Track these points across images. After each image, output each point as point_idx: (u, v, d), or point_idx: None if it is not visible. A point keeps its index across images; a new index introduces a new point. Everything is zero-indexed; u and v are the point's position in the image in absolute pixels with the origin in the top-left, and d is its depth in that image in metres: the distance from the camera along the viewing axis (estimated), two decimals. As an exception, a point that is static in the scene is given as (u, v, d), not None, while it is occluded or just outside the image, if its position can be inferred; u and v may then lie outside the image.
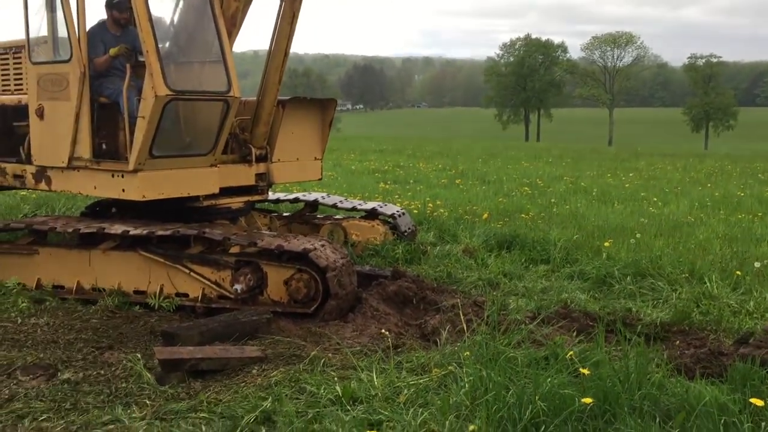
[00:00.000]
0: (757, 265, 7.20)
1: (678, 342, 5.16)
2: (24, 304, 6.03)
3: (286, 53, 6.82)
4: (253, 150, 7.03)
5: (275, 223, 8.21)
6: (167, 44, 6.56)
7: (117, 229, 6.24)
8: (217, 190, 6.67)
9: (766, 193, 15.59)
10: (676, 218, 10.99)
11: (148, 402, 4.16)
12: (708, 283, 6.61)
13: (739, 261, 7.54)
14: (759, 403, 3.51)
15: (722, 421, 3.46)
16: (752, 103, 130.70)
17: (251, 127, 7.04)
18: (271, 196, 8.15)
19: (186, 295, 6.13)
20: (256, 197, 7.28)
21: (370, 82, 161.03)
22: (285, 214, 8.75)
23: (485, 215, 10.42)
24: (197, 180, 6.49)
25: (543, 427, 3.55)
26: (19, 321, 5.67)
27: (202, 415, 3.98)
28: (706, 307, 6.04)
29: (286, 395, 4.15)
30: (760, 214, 11.80)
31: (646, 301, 6.38)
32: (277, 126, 7.13)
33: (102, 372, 4.61)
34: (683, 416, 3.63)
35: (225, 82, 6.34)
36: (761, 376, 3.92)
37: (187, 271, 6.11)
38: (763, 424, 3.38)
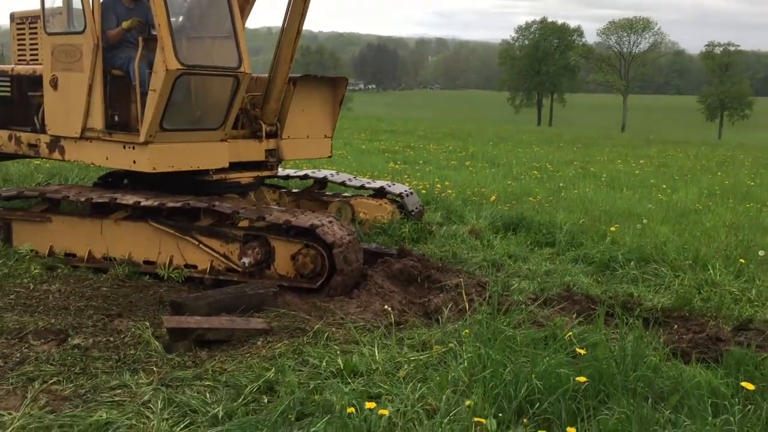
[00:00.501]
0: (761, 253, 7.25)
1: (677, 327, 5.22)
2: (36, 271, 6.15)
3: (299, 30, 6.86)
4: (264, 126, 7.10)
5: (284, 199, 8.30)
6: (180, 19, 6.62)
7: (129, 199, 6.34)
8: (227, 165, 6.74)
9: (777, 183, 15.55)
10: (684, 205, 11.02)
11: (155, 369, 4.28)
12: (711, 271, 6.66)
13: (743, 249, 7.59)
14: (750, 386, 3.59)
15: (713, 403, 3.54)
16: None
17: (262, 103, 7.10)
18: (281, 172, 8.24)
19: (195, 267, 6.24)
20: (266, 173, 7.36)
21: (383, 62, 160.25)
22: (294, 190, 8.83)
23: (493, 197, 10.47)
24: (207, 154, 6.57)
25: (537, 404, 3.64)
26: (32, 287, 5.80)
27: (207, 383, 4.09)
28: (708, 294, 6.10)
29: (289, 366, 4.26)
30: (768, 204, 11.81)
31: (649, 286, 6.44)
32: (288, 103, 7.19)
33: (111, 339, 4.73)
34: (676, 398, 3.70)
35: (236, 58, 6.40)
36: (755, 362, 3.98)
37: (197, 243, 6.22)
38: (752, 407, 3.46)
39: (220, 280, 6.10)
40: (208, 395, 3.91)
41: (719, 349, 4.63)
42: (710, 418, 3.36)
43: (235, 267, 6.13)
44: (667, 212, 10.12)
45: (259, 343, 4.75)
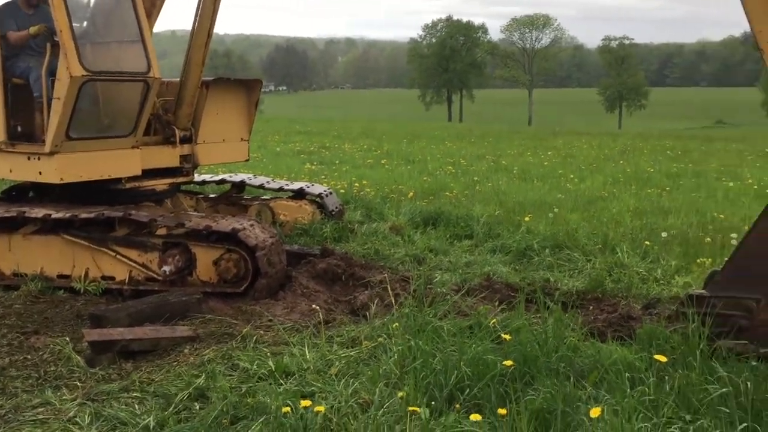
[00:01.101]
0: (664, 235, 7.67)
1: (592, 308, 5.48)
2: (-59, 292, 5.84)
3: (210, 33, 6.77)
4: (177, 131, 6.97)
5: (201, 205, 8.16)
6: (84, 24, 6.42)
7: (38, 212, 6.11)
8: (139, 172, 6.59)
9: (674, 168, 16.44)
10: (591, 193, 11.50)
11: (78, 384, 4.16)
12: (619, 254, 7.01)
13: (648, 232, 8.01)
14: (663, 359, 3.82)
15: (630, 377, 3.75)
16: (662, 84, 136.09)
17: (175, 108, 6.97)
18: (197, 177, 8.10)
19: (112, 278, 6.08)
20: (182, 179, 7.23)
21: (293, 64, 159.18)
22: (211, 195, 8.71)
23: (411, 194, 10.63)
24: (118, 162, 6.40)
25: (467, 390, 3.76)
26: (-63, 309, 5.50)
27: (134, 394, 4.02)
28: (618, 276, 6.42)
29: (219, 372, 4.22)
30: (667, 188, 12.47)
31: (563, 271, 6.71)
32: (202, 107, 7.08)
33: (29, 356, 4.56)
34: (596, 375, 3.90)
35: (144, 62, 6.27)
36: (665, 336, 4.24)
37: (113, 254, 6.05)
38: (665, 377, 3.68)
39: (140, 291, 5.96)
40: (137, 406, 3.84)
41: (632, 326, 4.90)
42: (628, 391, 3.56)
43: (155, 276, 6.00)
44: (576, 201, 10.54)
45: (186, 350, 4.69)
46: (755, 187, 12.66)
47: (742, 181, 13.59)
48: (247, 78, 7.83)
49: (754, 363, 3.84)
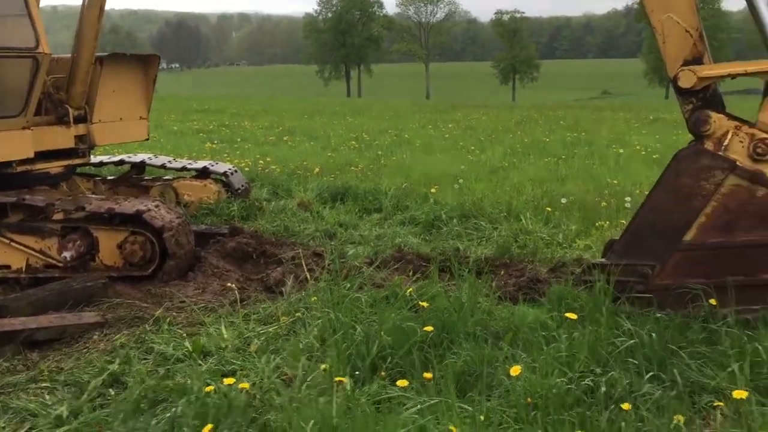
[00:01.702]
0: (563, 201, 7.99)
1: (502, 273, 5.65)
2: None
3: (102, 6, 6.44)
4: (71, 110, 6.62)
5: (100, 188, 7.82)
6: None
7: None
8: (31, 155, 6.22)
9: (568, 137, 17.11)
10: (492, 164, 11.82)
11: (-20, 379, 3.93)
12: (523, 220, 7.25)
13: (548, 199, 8.32)
14: (573, 316, 4.00)
15: (544, 335, 3.91)
16: (553, 56, 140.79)
17: (67, 85, 6.61)
18: (94, 159, 7.75)
19: (8, 267, 5.75)
20: (77, 161, 6.88)
21: (185, 40, 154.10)
22: (109, 177, 8.35)
23: (316, 170, 10.58)
24: (8, 144, 6.01)
25: (389, 358, 3.81)
26: None
27: (44, 384, 3.85)
28: (523, 241, 6.64)
29: (134, 356, 4.10)
30: (563, 156, 12.97)
31: (472, 239, 6.88)
32: (96, 84, 6.74)
33: None
34: (511, 336, 4.05)
35: (32, 37, 5.91)
36: (573, 295, 4.44)
37: (7, 241, 5.72)
38: (575, 333, 3.86)
39: (40, 278, 5.67)
40: (47, 397, 3.68)
41: (540, 288, 5.10)
42: (544, 348, 3.71)
43: (55, 263, 5.72)
44: (479, 171, 10.80)
45: (95, 337, 4.52)
46: (643, 153, 13.36)
47: (631, 148, 14.30)
48: (143, 53, 7.51)
49: (657, 315, 4.08)
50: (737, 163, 4.21)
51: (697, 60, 4.36)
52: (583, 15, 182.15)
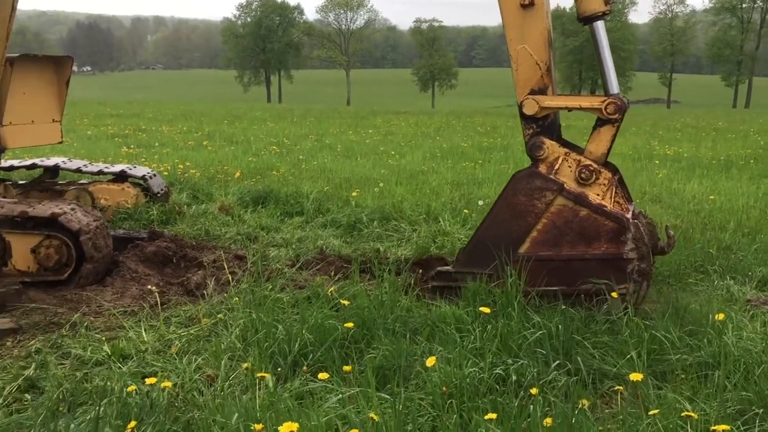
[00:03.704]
0: (480, 203, 8.27)
1: (420, 272, 5.82)
2: None
3: (14, 6, 6.26)
4: (-21, 112, 6.41)
5: (11, 192, 7.57)
6: None
7: None
8: (-62, 158, 6.01)
9: (485, 143, 17.60)
10: (412, 168, 12.05)
11: None
12: (442, 222, 7.46)
13: (465, 201, 8.59)
14: (487, 311, 4.20)
15: (459, 329, 4.09)
16: (470, 64, 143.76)
17: (-25, 87, 6.39)
18: (4, 163, 7.51)
19: None
20: (-13, 164, 6.68)
21: (97, 43, 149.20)
22: (21, 182, 8.09)
23: (237, 174, 10.54)
24: None
25: (311, 355, 3.91)
26: None
27: (-45, 392, 3.74)
28: (442, 242, 6.84)
29: (50, 361, 4.03)
30: (480, 161, 13.36)
31: (392, 241, 7.04)
32: (6, 86, 6.53)
33: None
34: (428, 331, 4.21)
35: (-61, 36, 5.70)
36: (486, 291, 4.64)
37: None
38: (489, 326, 4.06)
39: (-52, 286, 5.47)
40: (-41, 405, 3.58)
41: (458, 286, 5.29)
42: (458, 340, 3.89)
43: (-36, 269, 5.53)
44: (399, 175, 11.01)
45: (8, 343, 4.41)
46: (555, 158, 13.86)
47: (544, 153, 14.82)
48: (56, 55, 7.33)
49: (563, 308, 4.33)
50: (565, 185, 4.72)
51: (543, 90, 4.84)
52: (498, 25, 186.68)
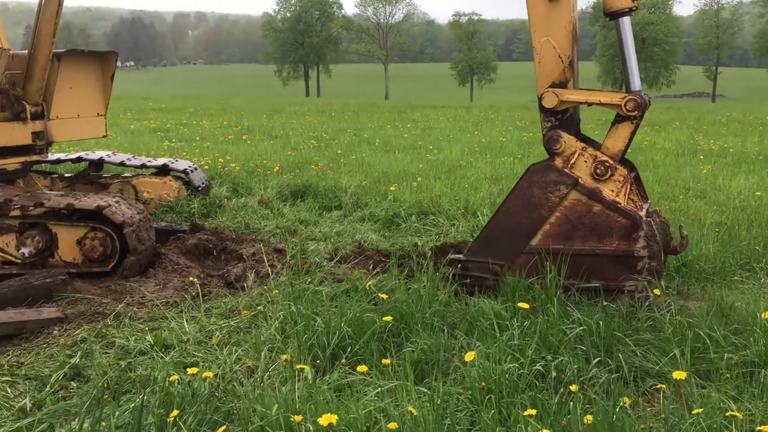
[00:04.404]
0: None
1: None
2: None
3: (60, 2, 6.41)
4: (28, 107, 6.57)
5: (57, 185, 7.76)
6: None
7: None
8: (-12, 151, 6.18)
9: (524, 137, 17.43)
10: (450, 163, 12.00)
11: (-60, 373, 3.92)
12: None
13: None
14: (525, 306, 4.17)
15: (498, 324, 4.07)
16: (509, 58, 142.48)
17: (24, 82, 6.56)
18: (51, 156, 7.69)
19: (-36, 264, 5.69)
20: (35, 157, 6.83)
21: (140, 38, 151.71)
22: (67, 175, 8.28)
23: (276, 167, 10.63)
24: (-35, 140, 5.97)
25: (349, 348, 3.93)
26: None
27: (4, 378, 3.85)
28: (480, 237, 6.80)
29: (95, 350, 4.13)
30: (519, 156, 13.25)
31: (430, 235, 7.03)
32: (54, 81, 6.70)
33: None
34: (466, 325, 4.20)
35: (-11, 32, 5.86)
36: (525, 286, 4.61)
37: (-37, 238, 5.67)
38: (528, 322, 4.03)
39: (-3, 275, 5.63)
40: (9, 390, 3.69)
41: (497, 280, 5.26)
42: (497, 336, 3.86)
43: (13, 259, 5.69)
44: (437, 170, 10.97)
45: (55, 332, 4.52)
46: (596, 152, 13.68)
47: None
48: (101, 50, 7.48)
49: (605, 305, 4.28)
50: (580, 180, 4.72)
51: (563, 84, 4.82)
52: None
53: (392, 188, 8.89)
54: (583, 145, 4.80)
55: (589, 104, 4.84)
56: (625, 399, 3.26)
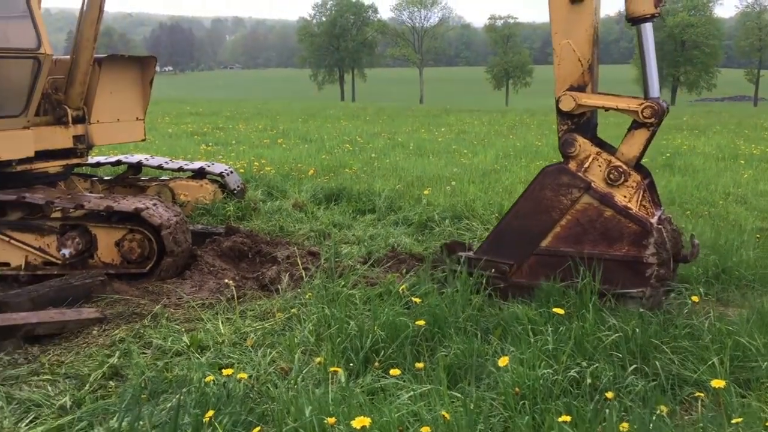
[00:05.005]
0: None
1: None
2: None
3: (101, 8, 6.55)
4: (69, 111, 6.73)
5: (97, 187, 7.92)
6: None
7: None
8: (32, 154, 6.33)
9: (560, 142, 17.22)
10: (484, 167, 11.94)
11: (-17, 371, 4.02)
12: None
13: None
14: (560, 311, 4.13)
15: (532, 330, 4.04)
16: (545, 62, 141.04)
17: (66, 86, 6.71)
18: (91, 159, 7.85)
19: (7, 264, 5.84)
20: (75, 160, 6.98)
21: (179, 43, 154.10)
22: (106, 177, 8.44)
23: (311, 171, 10.69)
24: (9, 143, 6.11)
25: (382, 351, 3.93)
26: None
27: (45, 377, 3.94)
28: (515, 242, 6.75)
29: (133, 350, 4.20)
30: (555, 160, 13.07)
31: (464, 240, 6.99)
32: (95, 85, 6.84)
33: (-76, 347, 4.34)
34: (500, 330, 4.17)
35: (34, 38, 6.00)
36: (559, 292, 4.57)
37: (7, 239, 5.81)
38: (562, 327, 3.99)
39: (39, 276, 5.77)
40: (49, 388, 3.78)
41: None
42: (531, 341, 3.83)
43: (53, 260, 5.82)
44: (471, 174, 10.93)
45: (94, 332, 4.62)
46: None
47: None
48: (141, 55, 7.61)
49: (641, 311, 4.21)
50: (592, 184, 4.71)
51: (581, 88, 4.81)
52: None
53: (426, 192, 8.88)
54: (598, 149, 4.80)
55: (606, 109, 4.83)
56: (663, 407, 3.21)
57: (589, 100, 4.77)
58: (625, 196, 4.68)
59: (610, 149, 4.90)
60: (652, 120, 4.65)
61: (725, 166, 12.60)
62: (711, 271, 5.50)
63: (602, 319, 4.15)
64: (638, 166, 4.82)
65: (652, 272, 4.52)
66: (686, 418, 3.36)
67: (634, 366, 3.68)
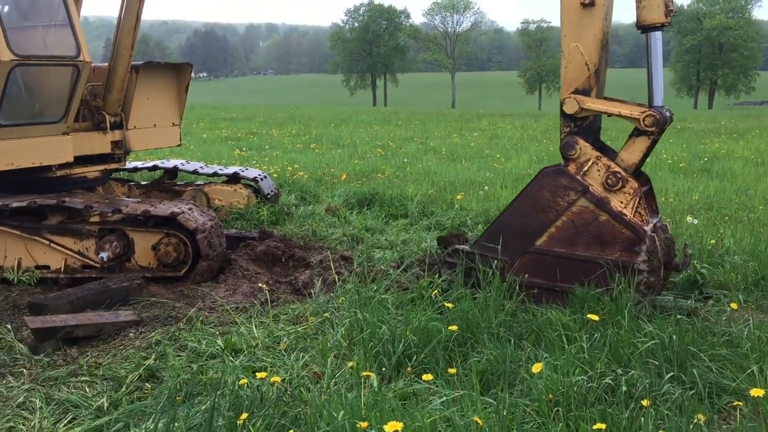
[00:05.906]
0: (689, 220, 8.04)
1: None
2: None
3: (139, 16, 6.67)
4: (107, 117, 6.86)
5: (134, 192, 8.05)
6: (5, 8, 6.23)
7: (-35, 203, 5.92)
8: (71, 159, 6.46)
9: (594, 146, 17.04)
10: (517, 171, 11.88)
11: (24, 371, 4.12)
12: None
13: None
14: (595, 318, 4.08)
15: (566, 336, 4.00)
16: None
17: (104, 93, 6.85)
18: (128, 164, 7.99)
19: (47, 267, 5.97)
20: (113, 166, 7.12)
21: (213, 49, 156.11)
22: (143, 182, 8.58)
23: (344, 176, 10.74)
24: (49, 149, 6.26)
25: (415, 356, 3.93)
26: None
27: (83, 378, 4.01)
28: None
29: (169, 352, 4.25)
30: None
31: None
32: (132, 92, 6.98)
33: (-32, 348, 4.46)
34: (533, 336, 4.14)
35: (74, 46, 6.14)
36: (594, 298, 4.52)
37: (47, 242, 5.94)
38: (597, 334, 3.95)
39: (77, 278, 5.88)
40: (87, 389, 3.85)
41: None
42: (566, 347, 3.80)
43: (92, 263, 5.93)
44: (504, 179, 10.88)
45: (131, 334, 4.69)
46: (669, 161, 13.33)
47: (658, 156, 14.25)
48: (176, 62, 7.74)
49: (678, 317, 4.15)
50: (590, 188, 4.78)
51: (587, 92, 4.85)
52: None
53: (458, 197, 8.86)
54: (599, 153, 4.83)
55: (609, 115, 4.85)
56: (700, 416, 3.15)
57: (592, 104, 4.83)
58: (621, 202, 4.73)
59: (612, 154, 4.93)
60: (653, 129, 4.69)
61: (765, 170, 12.35)
62: (750, 278, 5.40)
63: (638, 325, 4.10)
64: (638, 173, 4.86)
65: (641, 279, 4.56)
66: (724, 427, 3.29)
67: (671, 374, 3.62)
